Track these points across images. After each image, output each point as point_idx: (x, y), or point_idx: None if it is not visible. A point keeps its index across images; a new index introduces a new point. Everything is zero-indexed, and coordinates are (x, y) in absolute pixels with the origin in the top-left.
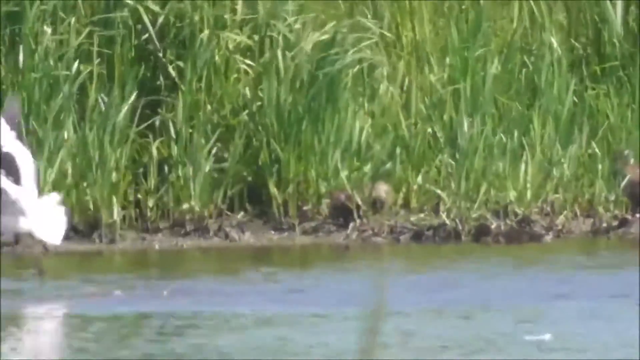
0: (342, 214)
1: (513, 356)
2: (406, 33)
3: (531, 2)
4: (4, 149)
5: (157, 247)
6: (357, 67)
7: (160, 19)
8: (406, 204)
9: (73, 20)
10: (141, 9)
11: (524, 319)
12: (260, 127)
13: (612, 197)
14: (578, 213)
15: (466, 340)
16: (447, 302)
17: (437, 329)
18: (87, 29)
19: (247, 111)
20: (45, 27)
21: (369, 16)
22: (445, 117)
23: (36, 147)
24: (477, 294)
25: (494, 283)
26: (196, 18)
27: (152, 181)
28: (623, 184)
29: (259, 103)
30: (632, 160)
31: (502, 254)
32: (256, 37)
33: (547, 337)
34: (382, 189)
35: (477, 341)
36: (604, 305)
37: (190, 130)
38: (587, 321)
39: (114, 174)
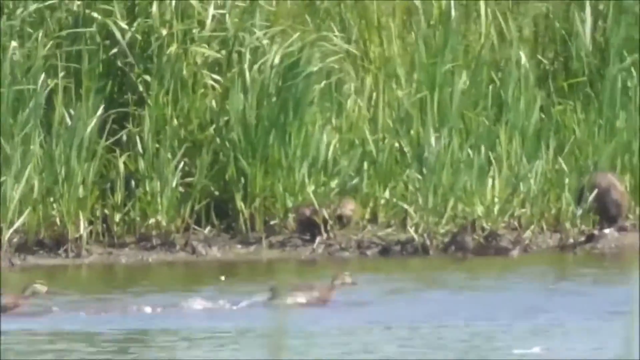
0: (308, 229)
1: None
2: (374, 48)
3: (499, 17)
4: None
5: (123, 261)
6: (325, 82)
7: (128, 35)
8: (373, 219)
9: (40, 34)
10: (111, 24)
11: (509, 333)
12: (227, 142)
13: (579, 212)
14: (545, 228)
15: (454, 354)
16: (423, 317)
17: (422, 344)
18: (54, 43)
19: (214, 126)
20: (12, 42)
21: (336, 31)
22: (413, 132)
23: (3, 162)
24: (450, 308)
25: (466, 297)
26: (164, 32)
27: (118, 196)
28: (592, 196)
29: (226, 118)
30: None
31: (470, 268)
32: (224, 52)
33: (536, 350)
34: (348, 206)
35: (466, 355)
36: (584, 320)
37: (157, 145)
38: (571, 335)
39: (80, 189)
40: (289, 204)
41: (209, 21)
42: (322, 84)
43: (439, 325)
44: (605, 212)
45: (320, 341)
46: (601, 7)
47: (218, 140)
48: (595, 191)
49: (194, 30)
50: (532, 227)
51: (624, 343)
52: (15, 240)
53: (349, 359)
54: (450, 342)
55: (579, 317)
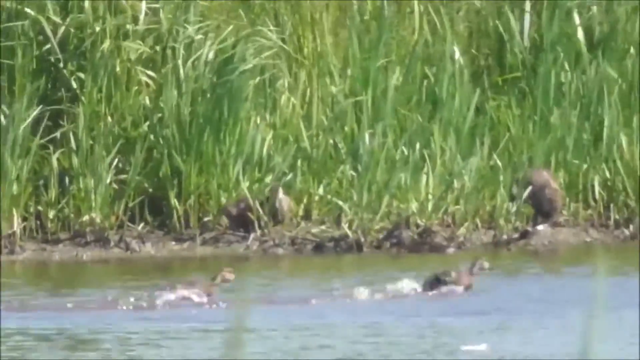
0: (242, 225)
1: None
2: (308, 44)
3: (432, 13)
4: None
5: (57, 258)
6: (259, 78)
7: (61, 30)
8: (307, 215)
9: None
10: (42, 20)
11: (454, 330)
12: (161, 139)
13: (513, 209)
14: (479, 225)
15: (402, 351)
16: (367, 314)
17: (367, 341)
18: None
19: (148, 122)
20: None
21: (270, 27)
22: (347, 128)
23: None
24: (396, 306)
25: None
26: (98, 28)
27: (52, 193)
28: (527, 192)
29: (160, 114)
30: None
31: (405, 265)
32: (158, 48)
33: (483, 347)
34: (284, 201)
35: (413, 352)
36: (525, 316)
37: (91, 142)
38: (518, 332)
39: (14, 186)
40: (223, 200)
41: (142, 16)
42: (257, 80)
43: (384, 322)
44: (540, 209)
45: (254, 339)
46: (534, 5)
47: (152, 137)
48: (530, 188)
49: (128, 26)
50: (467, 223)
51: (580, 341)
52: None
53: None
54: (397, 338)
55: (527, 315)
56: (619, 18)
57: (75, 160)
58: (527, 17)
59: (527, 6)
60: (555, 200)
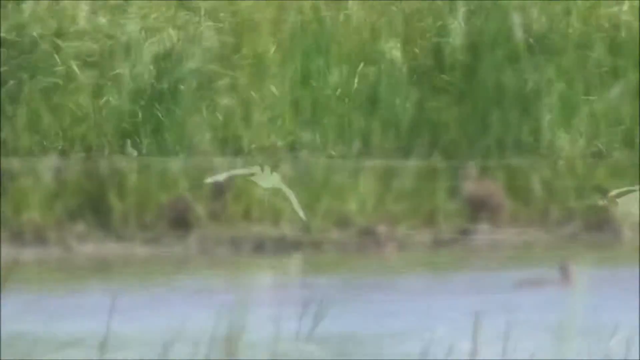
0: (181, 224)
1: None
2: (247, 44)
3: (370, 13)
4: None
5: None
6: (198, 78)
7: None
8: (247, 215)
9: None
10: None
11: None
12: (101, 138)
13: (454, 208)
14: (419, 224)
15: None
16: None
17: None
18: None
19: (88, 122)
20: None
21: (210, 27)
22: (287, 127)
23: None
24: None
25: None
26: (38, 29)
27: None
28: (465, 195)
29: (101, 113)
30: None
31: (342, 264)
32: (97, 47)
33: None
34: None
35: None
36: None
37: (32, 141)
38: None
39: None
40: (163, 200)
41: (83, 14)
42: (196, 81)
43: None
44: (477, 211)
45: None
46: (472, 5)
47: (92, 136)
48: (468, 192)
49: (67, 26)
50: (407, 222)
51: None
52: None
53: None
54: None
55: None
56: (556, 16)
57: (15, 159)
58: (461, 16)
59: (460, 6)
60: (498, 207)
